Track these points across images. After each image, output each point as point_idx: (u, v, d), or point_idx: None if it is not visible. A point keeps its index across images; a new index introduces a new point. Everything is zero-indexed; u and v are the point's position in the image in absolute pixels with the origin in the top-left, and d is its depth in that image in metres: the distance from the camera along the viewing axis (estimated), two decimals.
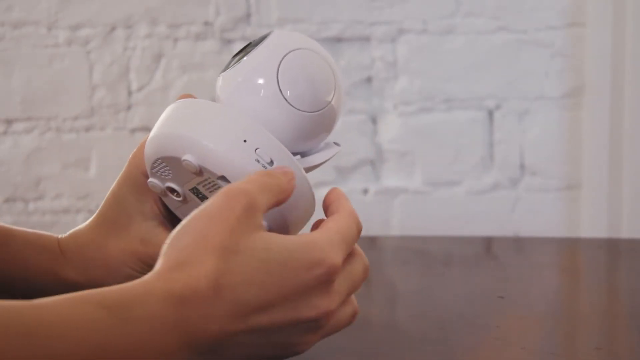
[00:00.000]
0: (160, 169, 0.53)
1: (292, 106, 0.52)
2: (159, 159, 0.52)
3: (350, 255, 0.47)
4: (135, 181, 0.56)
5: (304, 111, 0.52)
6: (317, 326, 0.44)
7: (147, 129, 1.24)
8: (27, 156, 1.25)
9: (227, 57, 1.22)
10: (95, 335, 0.38)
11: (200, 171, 0.50)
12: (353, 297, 0.48)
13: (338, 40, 1.23)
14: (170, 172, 0.52)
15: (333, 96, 0.54)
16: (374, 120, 1.25)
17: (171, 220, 0.57)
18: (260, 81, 0.52)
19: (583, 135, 1.24)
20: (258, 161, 0.49)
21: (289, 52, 0.53)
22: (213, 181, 0.51)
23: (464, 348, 0.56)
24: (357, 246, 0.49)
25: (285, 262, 0.43)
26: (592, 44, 1.22)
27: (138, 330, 0.39)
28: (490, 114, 1.25)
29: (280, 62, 0.52)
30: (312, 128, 0.53)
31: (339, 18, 1.23)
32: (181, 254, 0.42)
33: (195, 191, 0.52)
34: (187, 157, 0.49)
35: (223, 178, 0.50)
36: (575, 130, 1.24)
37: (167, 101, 1.23)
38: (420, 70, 1.24)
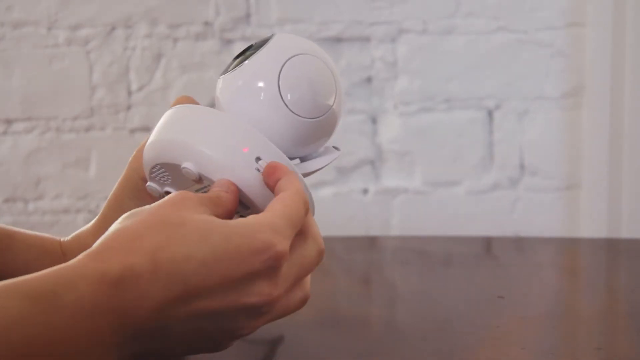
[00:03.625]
0: (159, 174, 0.52)
1: (293, 112, 0.51)
2: (158, 164, 0.51)
3: (303, 238, 0.46)
4: (135, 185, 0.56)
5: (304, 118, 0.52)
6: (260, 312, 0.43)
7: (147, 129, 1.24)
8: (27, 156, 1.25)
9: (227, 57, 1.22)
10: (17, 328, 0.37)
11: (199, 179, 0.50)
12: (307, 280, 0.47)
13: (338, 40, 1.23)
14: (169, 177, 0.52)
15: (334, 102, 0.53)
16: (374, 120, 1.25)
17: None
18: (261, 86, 0.51)
19: (583, 135, 1.24)
20: (258, 170, 0.49)
21: (290, 58, 0.52)
22: None
23: (464, 348, 0.56)
24: (314, 227, 0.47)
25: (228, 240, 0.41)
26: (592, 44, 1.22)
27: (65, 317, 0.38)
28: (490, 114, 1.25)
29: (282, 68, 0.52)
30: (313, 134, 0.53)
31: (339, 18, 1.23)
32: (119, 234, 0.41)
33: None
34: (187, 164, 0.49)
35: None
36: (575, 130, 1.24)
37: (167, 101, 1.23)
38: (420, 70, 1.24)
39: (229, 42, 1.23)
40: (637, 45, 1.20)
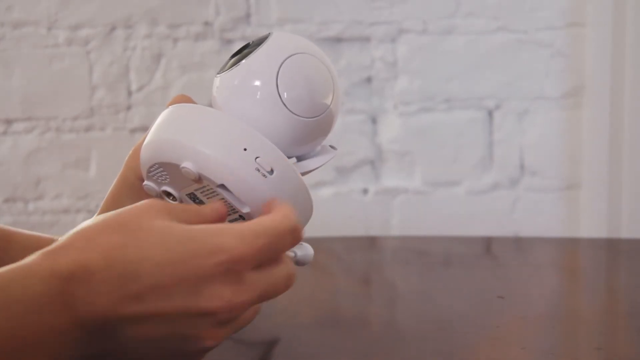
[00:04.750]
0: (157, 173, 0.52)
1: (291, 112, 0.51)
2: (156, 164, 0.51)
3: (275, 261, 0.44)
4: (132, 185, 0.55)
5: (302, 117, 0.52)
6: (221, 320, 0.42)
7: (147, 129, 1.24)
8: (26, 156, 1.25)
9: (227, 57, 1.22)
10: None
11: (199, 179, 0.49)
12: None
13: (338, 40, 1.23)
14: (167, 177, 0.52)
15: (331, 101, 0.53)
16: (374, 120, 1.25)
17: None
18: (259, 85, 0.51)
19: (583, 135, 1.24)
20: (258, 170, 0.49)
21: (288, 57, 0.52)
22: (211, 189, 0.50)
23: (464, 348, 0.56)
24: (286, 255, 0.46)
25: (184, 243, 0.41)
26: (592, 44, 1.22)
27: (18, 312, 0.38)
28: (490, 114, 1.25)
29: (280, 66, 0.51)
30: (310, 133, 0.53)
31: (339, 18, 1.23)
32: (77, 233, 0.42)
33: (192, 196, 0.52)
34: (187, 164, 0.49)
35: (222, 186, 0.49)
36: (575, 130, 1.24)
37: (167, 101, 1.23)
38: (420, 70, 1.24)
39: (229, 42, 1.23)
40: (637, 45, 1.20)
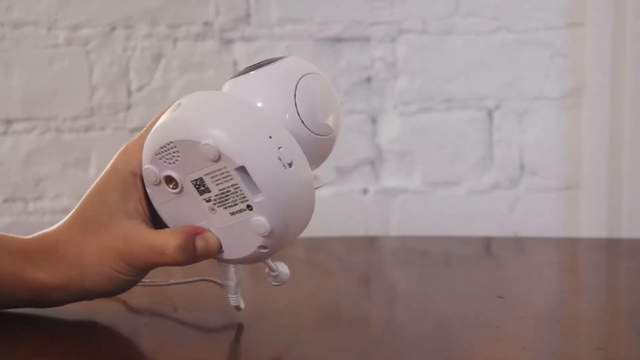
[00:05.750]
0: (166, 154, 0.52)
1: (304, 124, 0.52)
2: (171, 142, 0.51)
3: None
4: (122, 179, 0.55)
5: (313, 132, 0.53)
6: None
7: None
8: (26, 156, 1.25)
9: (227, 57, 1.22)
10: None
11: (218, 158, 0.49)
12: None
13: (338, 40, 1.23)
14: (178, 158, 0.51)
15: (337, 127, 0.54)
16: (373, 120, 1.25)
17: (154, 221, 0.56)
18: (278, 94, 0.52)
19: (583, 135, 1.24)
20: (280, 159, 0.49)
21: (308, 74, 0.53)
22: (227, 172, 0.50)
23: (464, 348, 0.56)
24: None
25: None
26: (592, 44, 1.22)
27: None
28: (490, 114, 1.25)
29: (299, 80, 0.53)
30: (315, 151, 0.53)
31: (339, 18, 1.23)
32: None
33: (198, 183, 0.52)
34: (209, 141, 0.49)
35: (242, 169, 0.49)
36: (574, 130, 1.24)
37: (167, 101, 1.23)
38: (420, 70, 1.24)
39: (229, 42, 1.23)
40: (637, 45, 1.20)
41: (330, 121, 0.54)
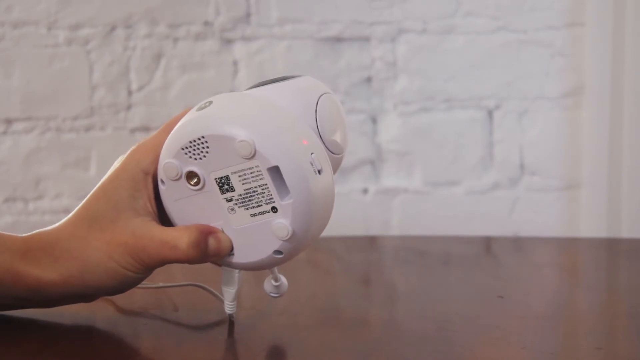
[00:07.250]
0: (194, 149, 0.51)
1: (322, 140, 0.53)
2: (203, 137, 0.50)
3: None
4: (133, 176, 0.55)
5: (328, 149, 0.53)
6: None
7: (147, 129, 1.24)
8: (26, 156, 1.25)
9: (227, 57, 1.22)
10: None
11: (253, 156, 0.49)
12: None
13: (338, 40, 1.23)
14: (206, 154, 0.51)
15: (345, 148, 0.55)
16: (373, 120, 1.25)
17: (162, 220, 0.56)
18: (299, 109, 0.52)
19: (583, 135, 1.24)
20: (312, 164, 0.50)
21: (325, 93, 0.54)
22: (258, 171, 0.50)
23: (464, 348, 0.56)
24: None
25: None
26: (592, 44, 1.22)
27: None
28: (490, 113, 1.25)
29: (320, 97, 0.53)
30: None
31: (339, 18, 1.23)
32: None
33: (222, 180, 0.51)
34: (245, 137, 0.49)
35: (274, 169, 0.49)
36: (575, 130, 1.24)
37: (167, 101, 1.24)
38: (420, 70, 1.24)
39: (229, 42, 1.23)
40: (637, 45, 1.20)
41: (341, 141, 0.54)
